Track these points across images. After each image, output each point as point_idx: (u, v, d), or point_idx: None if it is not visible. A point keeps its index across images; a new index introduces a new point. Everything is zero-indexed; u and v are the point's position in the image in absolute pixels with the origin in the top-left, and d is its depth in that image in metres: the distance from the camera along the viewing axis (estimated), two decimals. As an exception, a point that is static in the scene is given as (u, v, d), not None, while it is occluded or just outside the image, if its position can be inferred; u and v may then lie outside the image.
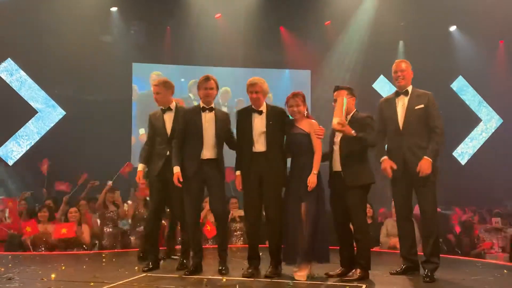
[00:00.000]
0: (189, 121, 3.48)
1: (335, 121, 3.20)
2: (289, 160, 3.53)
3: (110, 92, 8.06)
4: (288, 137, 3.44)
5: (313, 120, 3.43)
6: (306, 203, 3.26)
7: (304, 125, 3.40)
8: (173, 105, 3.76)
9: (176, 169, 3.41)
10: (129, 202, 5.76)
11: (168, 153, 3.62)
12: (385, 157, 3.41)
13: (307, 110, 3.47)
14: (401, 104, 3.43)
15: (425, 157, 3.25)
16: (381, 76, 9.05)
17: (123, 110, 8.25)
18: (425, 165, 3.24)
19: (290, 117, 3.53)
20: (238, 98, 8.21)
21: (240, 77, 7.47)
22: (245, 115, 3.54)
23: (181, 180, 3.38)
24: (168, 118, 3.72)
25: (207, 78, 3.48)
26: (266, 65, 8.30)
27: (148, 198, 4.65)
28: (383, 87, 8.80)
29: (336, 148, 3.39)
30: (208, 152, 3.44)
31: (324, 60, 8.67)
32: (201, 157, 3.42)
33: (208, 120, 3.49)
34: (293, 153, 3.43)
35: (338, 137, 3.38)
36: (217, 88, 3.54)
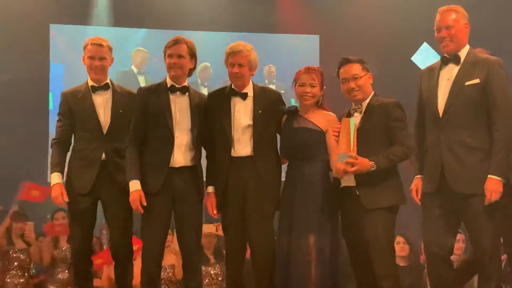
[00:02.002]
0: (149, 108, 3.46)
1: (341, 158, 3.19)
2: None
3: (19, 68, 7.85)
4: (289, 133, 3.50)
5: (330, 113, 3.50)
6: (315, 235, 3.31)
7: (317, 118, 3.46)
8: (109, 82, 3.74)
9: (136, 185, 3.39)
10: (46, 237, 5.47)
11: (103, 157, 3.60)
12: (418, 176, 3.47)
13: (323, 95, 3.54)
14: (446, 78, 3.37)
15: (490, 176, 3.16)
16: (424, 45, 8.97)
17: (38, 93, 8.03)
18: (492, 185, 3.14)
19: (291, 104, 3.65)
20: (227, 79, 8.12)
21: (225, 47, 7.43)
22: (220, 101, 3.56)
23: (144, 203, 3.36)
24: (102, 102, 3.68)
25: (176, 41, 3.48)
26: (260, 29, 8.39)
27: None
28: (428, 60, 8.72)
29: None
30: (180, 157, 3.47)
31: (339, 21, 8.60)
32: (170, 164, 3.42)
33: (180, 107, 3.51)
34: (293, 157, 3.50)
35: None
36: (194, 58, 3.55)
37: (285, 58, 8.38)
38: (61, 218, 5.06)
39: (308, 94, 3.46)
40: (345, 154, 3.18)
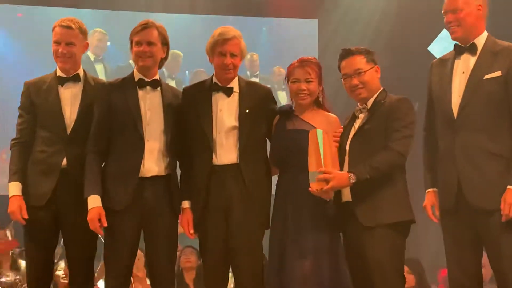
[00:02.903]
0: (113, 106, 3.50)
1: (312, 177, 3.25)
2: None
3: None
4: (281, 137, 3.54)
5: (330, 114, 3.56)
6: (312, 259, 3.34)
7: (316, 119, 3.51)
8: (81, 73, 3.72)
9: (96, 201, 3.40)
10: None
11: (64, 163, 3.57)
12: (431, 189, 3.52)
13: (322, 92, 3.57)
14: (461, 70, 3.39)
15: (509, 186, 3.20)
16: (444, 32, 8.99)
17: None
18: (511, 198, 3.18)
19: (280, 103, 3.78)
20: (197, 69, 8.20)
21: (199, 32, 7.54)
22: (199, 97, 3.59)
23: (104, 224, 3.38)
24: (70, 96, 3.66)
25: (145, 26, 3.52)
26: (246, 11, 8.41)
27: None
28: (448, 50, 8.75)
29: (346, 163, 3.41)
30: (152, 165, 3.49)
31: (340, 2, 8.62)
32: (139, 174, 3.44)
33: (150, 105, 3.54)
34: (286, 165, 3.52)
35: (347, 140, 3.44)
36: (166, 45, 3.60)
37: (277, 46, 8.48)
38: (3, 236, 5.01)
39: (304, 92, 3.48)
40: (315, 172, 3.23)
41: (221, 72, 3.56)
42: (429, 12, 8.06)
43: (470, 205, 3.26)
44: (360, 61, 3.41)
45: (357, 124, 3.43)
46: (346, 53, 3.45)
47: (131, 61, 4.14)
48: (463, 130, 3.30)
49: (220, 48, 3.50)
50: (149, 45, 3.49)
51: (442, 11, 3.44)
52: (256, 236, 3.50)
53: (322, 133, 3.28)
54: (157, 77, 3.59)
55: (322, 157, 3.24)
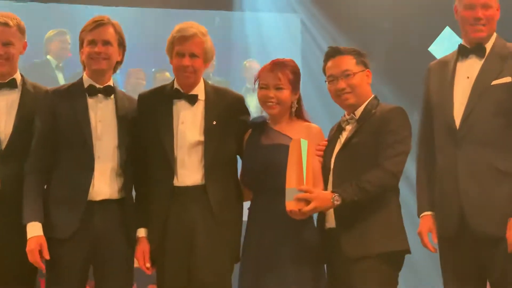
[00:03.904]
0: (58, 118, 3.51)
1: (290, 195, 3.22)
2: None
3: None
4: (255, 153, 3.56)
5: (311, 124, 3.59)
6: None
7: (295, 131, 3.51)
8: (18, 78, 3.70)
9: (36, 229, 3.40)
10: None
11: None
12: (427, 212, 3.52)
13: (299, 100, 3.59)
14: (465, 75, 3.45)
15: None
16: (447, 30, 9.08)
17: None
18: None
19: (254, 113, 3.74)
20: (156, 69, 8.22)
21: (155, 28, 7.52)
22: (157, 106, 3.60)
23: (46, 256, 3.36)
24: (5, 105, 3.64)
25: (99, 23, 3.54)
26: (217, 5, 8.47)
27: None
28: (451, 51, 8.83)
29: (330, 181, 3.43)
30: (103, 186, 3.51)
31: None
32: (88, 197, 3.46)
33: (102, 116, 3.56)
34: (261, 187, 3.53)
35: (332, 156, 3.46)
36: (122, 47, 3.65)
37: (255, 45, 8.48)
38: None
39: (272, 100, 3.47)
40: (294, 189, 3.20)
41: (179, 76, 3.56)
42: (429, 7, 8.15)
43: (473, 232, 3.29)
44: (348, 62, 3.43)
45: (343, 137, 3.44)
46: (334, 52, 3.47)
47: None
48: (466, 144, 3.34)
49: (178, 47, 3.51)
50: (105, 45, 3.50)
51: (463, 3, 3.44)
52: (224, 270, 3.50)
53: (307, 144, 3.27)
54: (110, 83, 3.60)
55: (304, 172, 3.23)
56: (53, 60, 7.72)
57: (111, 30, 3.54)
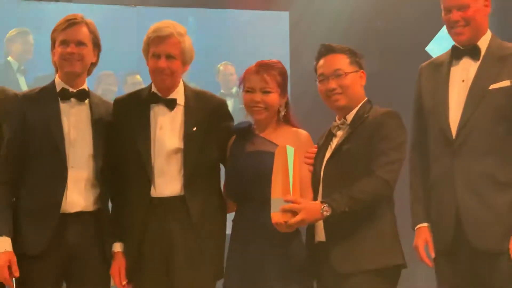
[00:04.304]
0: (29, 124, 3.51)
1: (276, 206, 3.20)
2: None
3: None
4: (239, 161, 3.56)
5: (300, 129, 3.61)
6: None
7: (282, 137, 3.52)
8: None
9: (4, 244, 3.40)
10: None
11: None
12: (423, 224, 3.54)
13: (287, 104, 3.61)
14: (460, 79, 3.47)
15: None
16: (444, 30, 9.15)
17: None
18: None
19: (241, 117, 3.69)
20: (129, 72, 8.22)
21: (126, 27, 7.57)
22: (133, 111, 3.62)
23: (15, 273, 3.36)
24: None
25: (72, 22, 3.56)
26: (201, 2, 8.52)
27: None
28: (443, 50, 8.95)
29: (319, 191, 3.43)
30: (77, 197, 3.51)
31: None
32: (61, 210, 3.46)
33: (76, 122, 3.57)
34: (245, 197, 3.53)
35: (322, 163, 3.47)
36: (97, 48, 3.67)
37: (240, 45, 8.50)
38: None
39: (259, 105, 3.48)
40: (280, 200, 3.17)
41: (156, 79, 3.57)
42: (426, 5, 8.19)
43: (472, 246, 3.30)
44: (341, 61, 3.43)
45: (334, 143, 3.44)
46: (326, 50, 3.48)
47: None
48: (464, 153, 3.35)
49: (154, 48, 3.52)
50: (78, 46, 3.51)
51: (442, 7, 3.49)
52: (205, 287, 3.52)
53: (294, 152, 3.26)
54: (84, 86, 3.61)
55: (291, 181, 3.21)
56: (15, 62, 7.66)
57: (84, 29, 3.55)
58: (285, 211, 3.17)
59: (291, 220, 3.16)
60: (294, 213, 3.17)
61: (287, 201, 3.17)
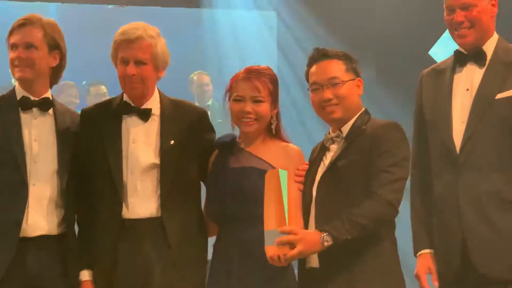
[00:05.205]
0: None
1: (271, 238, 3.17)
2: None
3: None
4: (223, 179, 3.58)
5: (290, 144, 3.63)
6: None
7: (270, 152, 3.57)
8: None
9: None
10: None
11: None
12: (425, 250, 3.56)
13: (277, 116, 3.62)
14: (464, 87, 3.49)
15: None
16: (446, 33, 9.22)
17: None
18: None
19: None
20: (93, 82, 8.28)
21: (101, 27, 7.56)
22: (103, 122, 3.63)
23: None
24: None
25: (24, 22, 3.56)
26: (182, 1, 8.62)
27: None
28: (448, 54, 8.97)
29: (312, 213, 3.42)
30: (40, 219, 3.49)
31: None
32: (20, 233, 3.44)
33: (39, 134, 3.57)
34: (229, 218, 3.54)
35: (314, 182, 3.46)
36: (57, 49, 3.63)
37: (225, 47, 8.58)
38: None
39: (249, 116, 3.50)
40: (275, 231, 3.14)
41: (125, 87, 3.59)
42: (429, 4, 8.26)
43: (478, 273, 3.32)
44: (337, 68, 3.42)
45: (327, 158, 3.43)
46: (319, 55, 3.47)
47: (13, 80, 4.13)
48: (469, 169, 3.38)
49: (122, 53, 3.53)
50: (27, 49, 3.51)
51: (444, 6, 3.53)
52: None
53: (287, 175, 3.22)
54: (48, 95, 3.60)
55: (286, 209, 3.17)
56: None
57: (36, 31, 3.55)
58: (281, 244, 3.14)
59: (289, 254, 3.12)
60: (291, 245, 3.13)
61: (283, 233, 3.13)
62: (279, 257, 3.13)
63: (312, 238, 3.15)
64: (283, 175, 3.20)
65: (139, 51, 3.51)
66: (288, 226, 3.13)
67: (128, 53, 3.51)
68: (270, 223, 3.18)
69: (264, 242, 3.17)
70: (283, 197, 3.16)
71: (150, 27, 3.57)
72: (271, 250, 3.15)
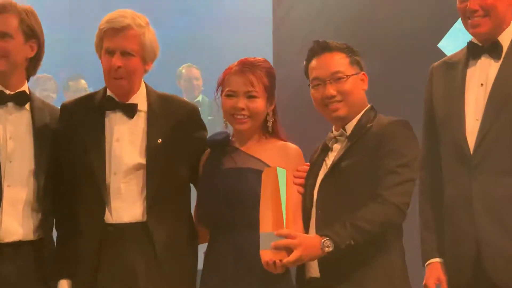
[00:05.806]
0: None
1: (267, 242, 3.16)
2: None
3: None
4: (215, 181, 3.59)
5: (289, 143, 3.64)
6: None
7: (267, 152, 3.58)
8: None
9: None
10: None
11: None
12: (435, 259, 3.58)
13: (274, 115, 3.61)
14: (478, 82, 3.53)
15: None
16: (458, 22, 9.23)
17: None
18: None
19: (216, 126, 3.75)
20: (72, 76, 8.34)
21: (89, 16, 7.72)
22: (84, 119, 3.64)
23: None
24: None
25: None
26: None
27: None
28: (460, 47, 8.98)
29: (312, 218, 3.45)
30: (14, 224, 3.52)
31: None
32: None
33: (14, 131, 3.60)
34: (222, 223, 3.55)
35: (315, 184, 3.49)
36: (35, 38, 3.65)
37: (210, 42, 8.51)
38: None
39: (243, 113, 3.50)
40: (271, 234, 3.15)
41: (109, 81, 3.59)
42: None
43: (493, 284, 3.35)
44: (340, 62, 3.44)
45: (330, 159, 3.45)
46: (320, 48, 3.48)
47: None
48: (483, 171, 3.41)
49: (107, 43, 3.54)
50: (2, 39, 3.54)
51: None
52: None
53: (285, 174, 3.23)
54: (24, 88, 3.62)
55: (284, 211, 3.18)
56: None
57: (11, 18, 3.56)
58: (278, 248, 3.14)
59: (286, 259, 3.12)
60: (289, 249, 3.13)
61: (280, 236, 3.12)
62: (275, 263, 3.12)
63: (312, 243, 3.15)
64: (282, 173, 3.20)
65: (126, 41, 3.51)
66: (285, 229, 3.13)
67: (114, 43, 3.51)
68: (266, 225, 3.18)
69: (260, 246, 3.17)
70: (281, 197, 3.17)
71: (139, 15, 3.57)
72: (266, 254, 3.16)
